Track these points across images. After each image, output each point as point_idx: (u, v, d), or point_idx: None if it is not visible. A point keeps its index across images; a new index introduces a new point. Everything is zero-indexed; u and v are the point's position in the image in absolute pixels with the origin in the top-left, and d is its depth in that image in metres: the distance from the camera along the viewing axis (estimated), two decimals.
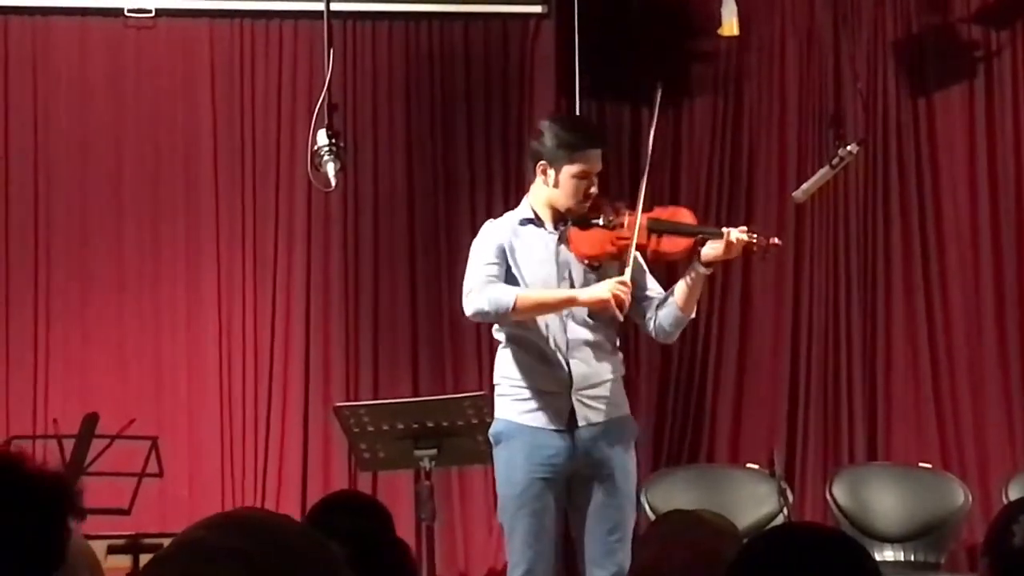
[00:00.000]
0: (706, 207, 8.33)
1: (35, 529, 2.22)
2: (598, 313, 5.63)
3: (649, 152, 5.98)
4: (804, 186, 6.87)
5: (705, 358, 8.48)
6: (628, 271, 5.60)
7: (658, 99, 5.90)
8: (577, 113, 8.17)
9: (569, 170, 5.66)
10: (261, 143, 8.39)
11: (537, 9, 8.54)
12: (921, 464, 8.16)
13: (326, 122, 6.64)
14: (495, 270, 5.65)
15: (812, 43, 8.60)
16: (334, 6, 7.20)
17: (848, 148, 6.90)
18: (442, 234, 8.47)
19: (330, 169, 6.51)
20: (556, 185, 5.69)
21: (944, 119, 8.57)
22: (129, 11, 8.26)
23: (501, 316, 5.63)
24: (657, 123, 5.97)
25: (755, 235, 5.63)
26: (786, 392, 8.46)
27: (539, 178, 5.73)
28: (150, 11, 8.27)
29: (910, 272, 8.52)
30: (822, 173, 6.79)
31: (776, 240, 5.77)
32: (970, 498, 7.84)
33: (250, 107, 8.40)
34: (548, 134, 5.72)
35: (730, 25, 8.21)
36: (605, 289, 5.55)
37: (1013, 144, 8.54)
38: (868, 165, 8.49)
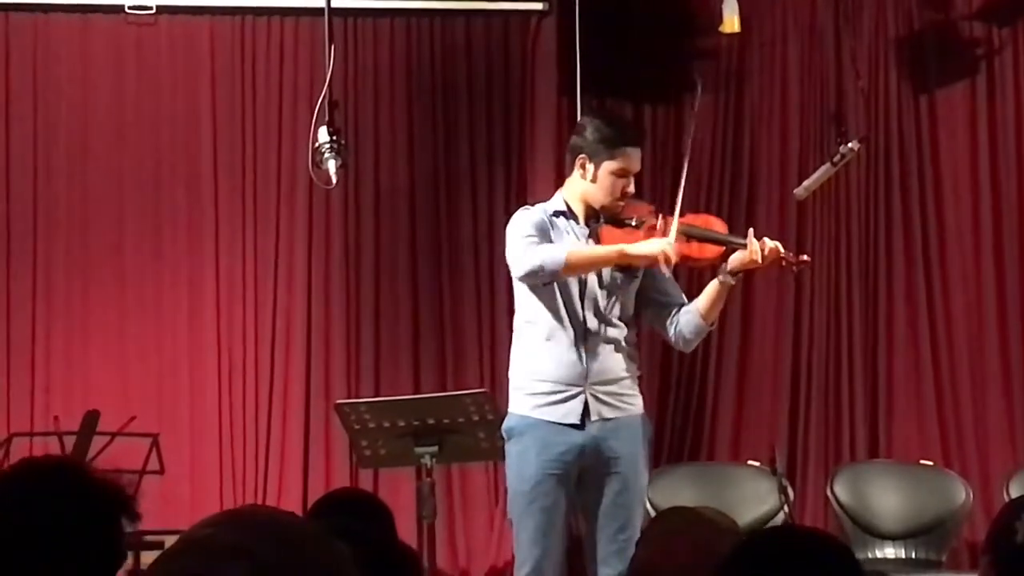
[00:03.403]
0: (707, 204, 8.32)
1: (98, 527, 2.46)
2: (643, 267, 5.59)
3: (687, 152, 5.92)
4: (805, 183, 6.85)
5: (706, 355, 8.47)
6: (672, 233, 5.53)
7: (698, 96, 5.85)
8: (579, 111, 8.15)
9: (608, 166, 5.63)
10: (262, 140, 8.39)
11: (538, 6, 8.54)
12: (922, 461, 8.15)
13: (327, 119, 6.64)
14: (538, 240, 5.59)
15: (813, 40, 8.60)
16: (335, 3, 7.19)
17: (849, 145, 6.88)
18: (443, 231, 8.47)
19: (331, 166, 6.51)
20: (594, 180, 5.65)
21: (946, 116, 8.57)
22: (130, 8, 8.26)
23: (553, 273, 5.52)
24: (695, 128, 5.88)
25: (783, 250, 5.63)
26: (787, 389, 8.45)
27: (576, 172, 5.69)
28: (151, 8, 8.27)
29: (912, 268, 8.52)
30: (823, 170, 6.77)
31: (805, 257, 5.79)
32: (971, 495, 7.84)
33: (251, 104, 8.40)
34: (590, 128, 5.69)
35: (731, 22, 8.21)
36: (657, 246, 5.50)
37: (1015, 141, 8.54)
38: (870, 162, 8.48)
